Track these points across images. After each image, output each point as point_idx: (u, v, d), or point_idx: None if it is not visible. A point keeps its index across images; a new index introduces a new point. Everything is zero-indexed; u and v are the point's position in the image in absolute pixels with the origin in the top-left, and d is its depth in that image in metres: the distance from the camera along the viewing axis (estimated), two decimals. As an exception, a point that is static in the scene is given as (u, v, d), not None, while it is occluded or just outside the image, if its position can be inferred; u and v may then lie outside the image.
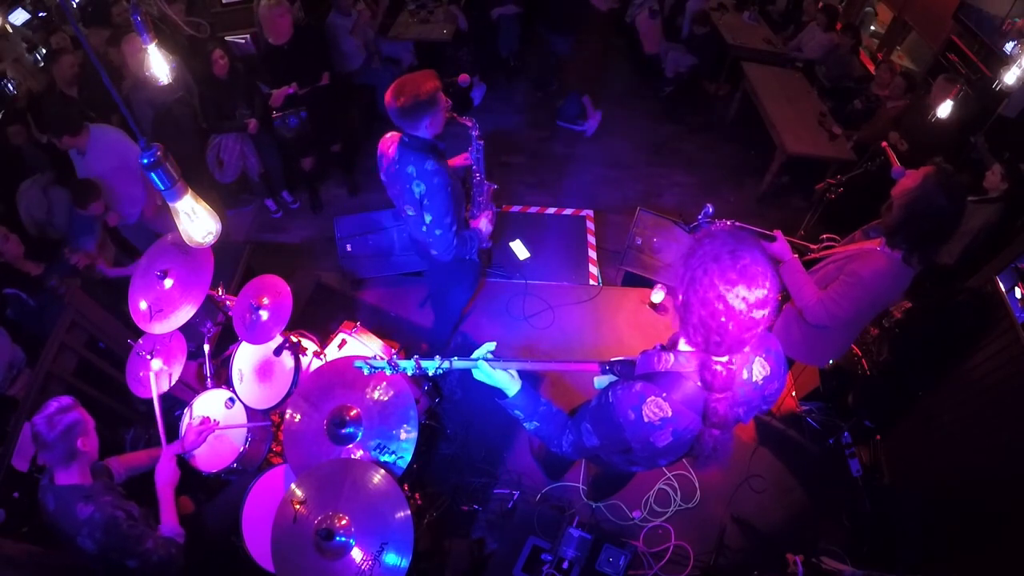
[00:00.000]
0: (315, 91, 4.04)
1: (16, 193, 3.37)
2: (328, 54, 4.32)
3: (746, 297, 1.16)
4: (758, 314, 1.18)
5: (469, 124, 2.49)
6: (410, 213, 2.38)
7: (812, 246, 2.60)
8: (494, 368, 1.53)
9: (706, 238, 1.23)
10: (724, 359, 1.26)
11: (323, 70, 4.08)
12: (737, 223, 2.34)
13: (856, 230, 2.44)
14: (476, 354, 1.54)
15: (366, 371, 1.53)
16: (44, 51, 4.18)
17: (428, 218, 2.33)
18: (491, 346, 1.56)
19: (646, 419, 1.31)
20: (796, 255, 2.34)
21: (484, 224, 2.67)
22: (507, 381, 1.55)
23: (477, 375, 1.55)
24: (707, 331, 1.21)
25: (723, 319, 1.18)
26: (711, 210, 2.65)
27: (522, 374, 1.59)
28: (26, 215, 3.35)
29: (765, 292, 1.17)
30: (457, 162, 2.59)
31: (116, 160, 3.27)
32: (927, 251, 2.07)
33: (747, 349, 1.32)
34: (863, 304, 2.18)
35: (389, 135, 2.39)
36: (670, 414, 1.31)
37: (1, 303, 2.96)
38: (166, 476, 2.14)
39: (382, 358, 1.53)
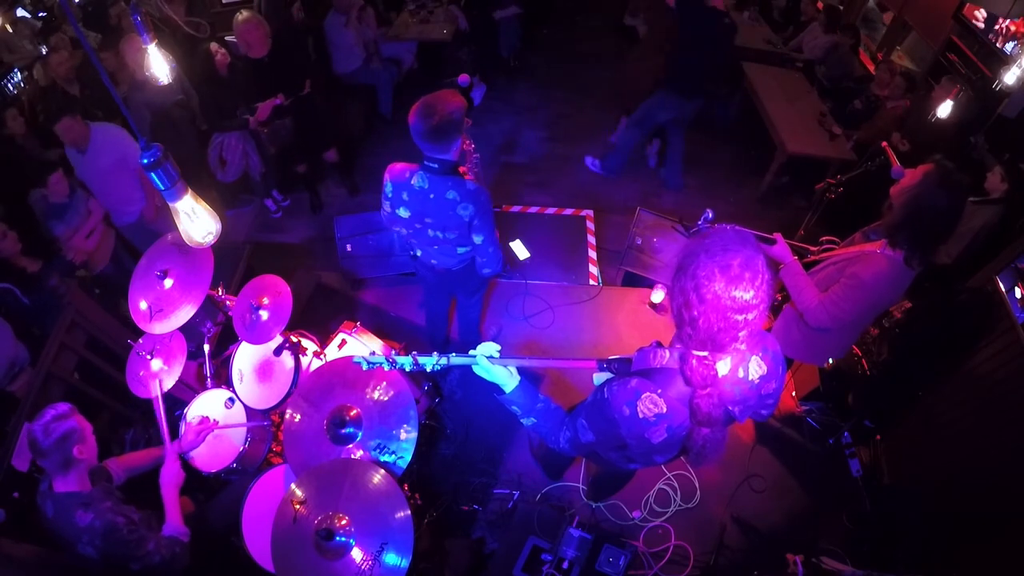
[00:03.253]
0: (299, 100, 3.98)
1: (19, 194, 3.36)
2: (308, 61, 4.27)
3: (720, 295, 1.15)
4: (737, 316, 1.17)
5: (465, 139, 2.42)
6: (450, 237, 2.33)
7: (812, 248, 2.60)
8: (492, 364, 1.54)
9: (709, 233, 1.24)
10: (703, 354, 1.26)
11: (305, 78, 3.99)
12: (736, 227, 2.34)
13: (856, 230, 2.44)
14: (475, 351, 1.54)
15: (364, 366, 1.53)
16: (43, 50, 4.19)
17: (479, 238, 2.31)
18: (494, 348, 1.56)
19: (641, 415, 1.32)
20: (796, 257, 2.34)
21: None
22: (505, 377, 1.55)
23: (476, 370, 1.56)
24: (681, 321, 1.24)
25: (695, 312, 1.19)
26: (711, 215, 2.65)
27: (522, 372, 1.59)
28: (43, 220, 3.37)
29: (748, 297, 1.15)
30: None
31: (116, 157, 3.28)
32: (928, 250, 2.07)
33: (743, 347, 1.32)
34: (864, 306, 2.18)
35: (399, 166, 2.25)
36: (665, 410, 1.31)
37: None
38: (171, 477, 2.14)
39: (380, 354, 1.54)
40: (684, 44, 3.85)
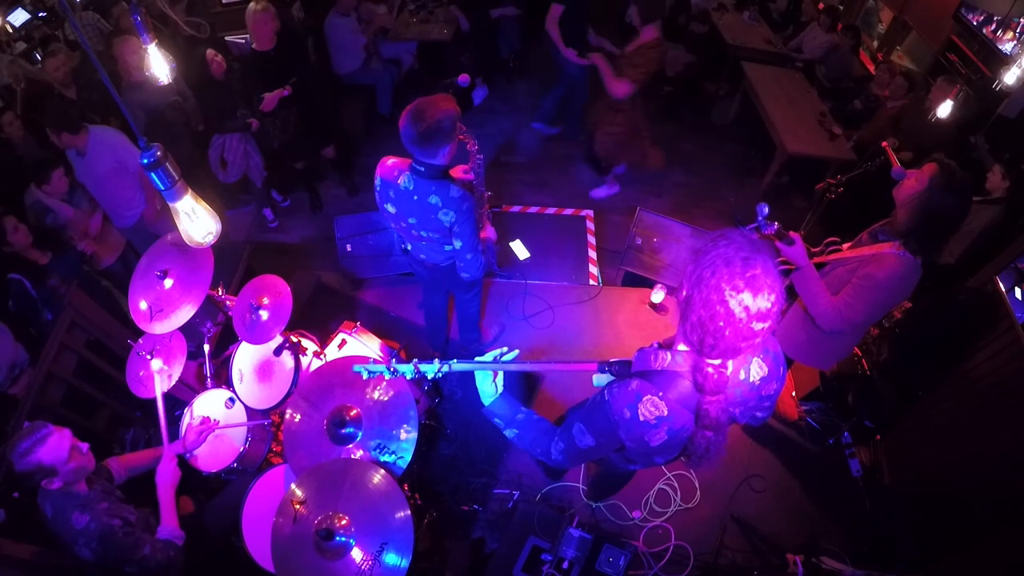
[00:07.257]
0: (300, 92, 3.93)
1: (20, 198, 3.37)
2: (308, 60, 4.23)
3: (748, 306, 1.13)
4: (758, 325, 1.16)
5: (468, 140, 2.38)
6: (434, 237, 2.33)
7: (814, 249, 2.58)
8: (495, 370, 1.53)
9: (722, 240, 1.20)
10: (717, 362, 1.25)
11: (304, 75, 3.94)
12: (743, 231, 2.26)
13: (856, 230, 2.43)
14: (480, 358, 1.53)
15: (365, 375, 1.53)
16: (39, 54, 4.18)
17: (459, 244, 2.30)
18: (512, 356, 1.54)
19: (642, 418, 1.31)
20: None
21: (491, 232, 2.67)
22: (487, 388, 1.54)
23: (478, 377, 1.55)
24: (703, 332, 1.19)
25: (721, 323, 1.16)
26: (767, 210, 2.28)
27: (521, 374, 1.59)
28: (34, 220, 3.36)
29: (769, 305, 1.14)
30: (456, 175, 2.47)
31: (113, 162, 3.27)
32: (936, 251, 2.07)
33: None
34: (876, 307, 2.16)
35: (390, 161, 2.26)
36: (666, 413, 1.31)
37: (3, 290, 2.97)
38: (167, 477, 2.14)
39: (380, 361, 1.53)
40: None
